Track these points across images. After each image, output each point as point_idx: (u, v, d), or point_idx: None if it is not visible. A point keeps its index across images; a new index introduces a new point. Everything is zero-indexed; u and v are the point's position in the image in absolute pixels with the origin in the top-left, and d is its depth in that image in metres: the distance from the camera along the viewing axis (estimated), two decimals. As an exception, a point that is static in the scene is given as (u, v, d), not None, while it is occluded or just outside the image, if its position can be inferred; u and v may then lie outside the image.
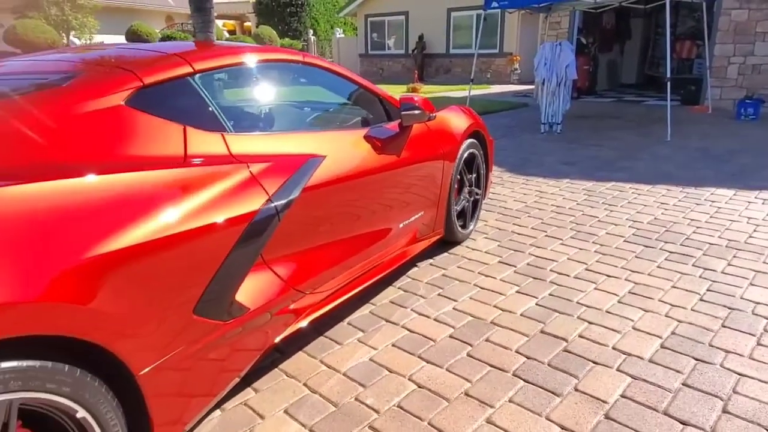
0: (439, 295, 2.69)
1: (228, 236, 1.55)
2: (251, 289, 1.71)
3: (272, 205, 1.70)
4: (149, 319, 1.32)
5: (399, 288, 2.78)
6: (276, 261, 1.82)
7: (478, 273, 2.94)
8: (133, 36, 14.33)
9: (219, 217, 1.52)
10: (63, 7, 14.22)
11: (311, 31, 21.81)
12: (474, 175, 3.39)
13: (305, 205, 1.88)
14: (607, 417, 1.78)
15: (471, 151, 3.26)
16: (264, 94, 2.30)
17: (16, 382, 1.04)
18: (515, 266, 3.02)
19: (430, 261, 3.11)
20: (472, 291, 2.72)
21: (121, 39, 15.47)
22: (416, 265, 3.04)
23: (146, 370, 1.31)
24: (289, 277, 1.88)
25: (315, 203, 1.95)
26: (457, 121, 3.13)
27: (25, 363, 1.06)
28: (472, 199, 3.42)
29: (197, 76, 1.80)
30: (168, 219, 1.38)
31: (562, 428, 1.73)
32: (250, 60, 2.04)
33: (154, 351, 1.34)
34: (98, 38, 14.71)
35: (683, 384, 1.94)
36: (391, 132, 2.51)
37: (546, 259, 3.11)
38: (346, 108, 2.61)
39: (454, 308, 2.55)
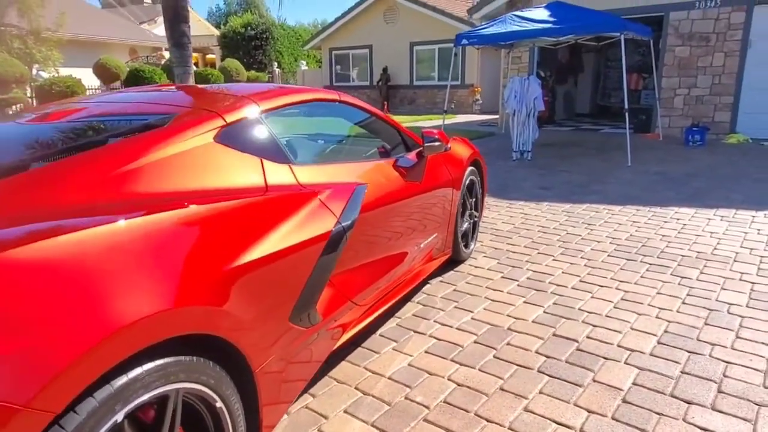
0: (455, 307, 2.97)
1: (313, 253, 1.79)
2: (322, 301, 1.94)
3: (341, 225, 1.95)
4: (263, 325, 1.54)
5: (418, 303, 3.04)
6: (337, 276, 2.06)
7: (486, 287, 3.24)
8: (102, 69, 14.29)
9: (305, 236, 1.76)
10: (26, 40, 14.07)
11: (276, 64, 22.18)
12: (473, 200, 3.73)
13: (359, 227, 2.14)
14: (624, 401, 2.08)
15: (471, 177, 3.60)
16: (311, 128, 2.57)
17: (183, 374, 1.25)
18: (517, 280, 3.34)
19: (440, 278, 3.39)
20: (485, 303, 3.01)
21: (87, 72, 15.36)
22: (429, 283, 3.32)
23: (261, 366, 1.52)
24: (346, 291, 2.12)
25: (364, 225, 2.21)
26: (461, 150, 3.47)
27: (187, 358, 1.27)
28: (472, 221, 3.75)
29: (264, 114, 2.05)
30: (270, 239, 1.62)
31: (590, 412, 2.02)
32: (301, 99, 2.31)
33: (265, 351, 1.55)
34: (64, 71, 14.57)
35: (681, 372, 2.27)
36: (412, 162, 2.81)
37: (543, 273, 3.44)
38: (374, 140, 2.90)
39: (472, 318, 2.83)
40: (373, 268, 2.41)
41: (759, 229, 4.25)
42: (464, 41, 8.33)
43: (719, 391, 2.12)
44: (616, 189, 5.84)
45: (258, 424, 1.56)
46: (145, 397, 1.16)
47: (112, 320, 1.07)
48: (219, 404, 1.38)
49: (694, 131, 8.80)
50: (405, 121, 13.87)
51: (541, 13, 8.03)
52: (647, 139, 9.67)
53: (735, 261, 3.58)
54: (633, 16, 9.50)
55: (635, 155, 7.56)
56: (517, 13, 8.27)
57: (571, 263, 3.61)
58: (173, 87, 2.49)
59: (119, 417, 1.10)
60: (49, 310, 1.01)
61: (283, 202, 1.79)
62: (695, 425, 1.92)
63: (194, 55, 25.12)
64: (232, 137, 1.85)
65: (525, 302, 3.01)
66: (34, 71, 14.03)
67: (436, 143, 2.80)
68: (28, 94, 13.84)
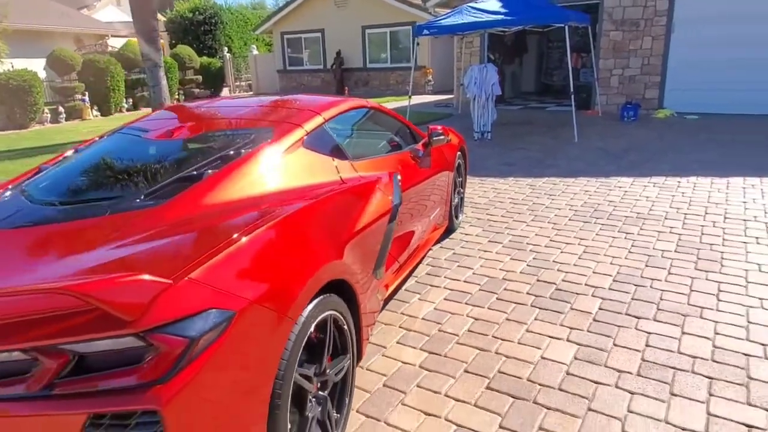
0: (458, 266, 3.74)
1: (383, 224, 2.48)
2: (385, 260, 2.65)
3: (395, 204, 2.65)
4: (362, 275, 2.24)
5: (428, 265, 3.79)
6: (392, 242, 2.77)
7: (478, 249, 4.03)
8: (56, 61, 13.97)
9: (379, 212, 2.45)
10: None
11: (226, 49, 22.04)
12: (461, 179, 4.49)
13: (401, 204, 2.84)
14: (594, 320, 2.92)
15: (459, 161, 4.36)
16: (353, 130, 3.21)
17: (331, 305, 1.93)
18: (502, 243, 4.14)
19: (440, 246, 4.15)
20: (480, 261, 3.80)
21: (32, 63, 14.93)
22: (432, 249, 4.07)
23: (362, 301, 2.21)
24: (394, 253, 2.84)
25: (403, 203, 2.92)
26: (452, 139, 4.21)
27: (331, 295, 1.95)
28: (459, 196, 4.52)
29: (326, 122, 2.70)
30: (362, 216, 2.30)
31: (571, 329, 2.84)
32: (346, 108, 2.96)
33: (364, 292, 2.25)
34: (13, 63, 14.15)
35: (632, 299, 3.14)
36: (421, 152, 3.52)
37: (520, 236, 4.27)
38: (394, 136, 3.57)
39: (473, 273, 3.61)
40: (406, 235, 3.13)
41: (683, 192, 5.25)
42: (425, 32, 9.01)
43: (658, 309, 3.00)
44: (567, 164, 6.77)
45: (360, 338, 2.25)
46: (320, 317, 1.84)
47: (312, 267, 1.75)
48: (345, 326, 2.07)
49: (628, 108, 9.92)
50: (365, 104, 14.44)
51: (494, 5, 8.80)
52: (588, 116, 10.74)
53: (666, 218, 4.53)
54: (572, 4, 10.46)
55: (579, 131, 8.55)
56: (472, 4, 9.01)
57: (541, 227, 4.46)
58: (245, 101, 3.07)
59: (312, 327, 1.77)
60: (289, 262, 1.67)
61: (359, 190, 2.47)
62: (642, 330, 2.78)
63: (133, 40, 24.47)
64: (312, 143, 2.50)
65: (511, 259, 3.82)
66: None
67: (441, 137, 3.52)
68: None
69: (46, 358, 1.24)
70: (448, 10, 13.70)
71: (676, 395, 2.28)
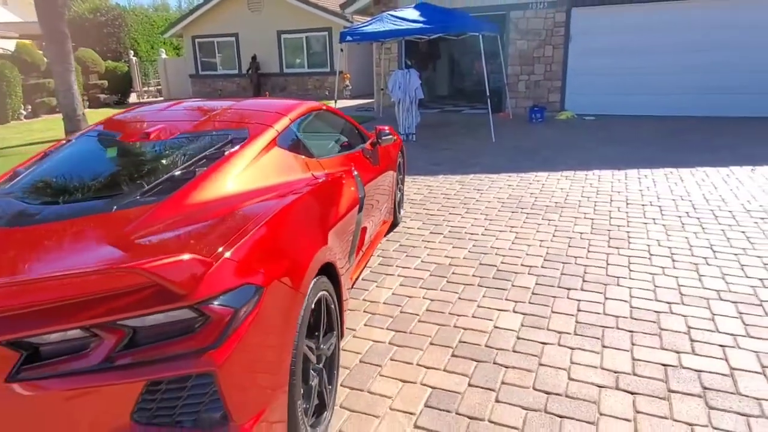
0: (407, 256, 4.05)
1: (354, 215, 2.72)
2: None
3: (361, 196, 2.89)
4: (342, 258, 2.46)
5: (379, 256, 4.06)
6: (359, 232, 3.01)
7: (422, 240, 4.37)
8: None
9: (350, 204, 2.68)
10: None
11: (132, 52, 21.00)
12: (401, 176, 4.82)
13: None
14: (533, 293, 3.34)
15: (399, 159, 4.68)
16: (313, 131, 3.40)
17: (323, 285, 2.14)
18: (442, 233, 4.51)
19: (386, 239, 4.44)
20: (426, 251, 4.14)
21: None
22: (380, 242, 4.35)
23: (342, 282, 2.43)
24: (359, 243, 3.08)
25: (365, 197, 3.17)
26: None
27: (323, 276, 2.16)
28: (401, 193, 4.84)
29: (291, 123, 2.89)
30: (338, 207, 2.53)
31: (515, 302, 3.24)
32: (306, 110, 3.16)
33: (344, 274, 2.47)
34: None
35: (561, 274, 3.61)
36: (370, 151, 3.79)
37: (458, 227, 4.67)
38: (346, 136, 3.80)
39: (422, 261, 3.94)
40: (366, 227, 3.38)
41: (591, 183, 5.95)
42: (348, 38, 9.30)
43: (583, 281, 3.49)
44: (489, 161, 7.34)
45: (342, 318, 2.47)
46: (317, 296, 2.05)
47: (312, 251, 1.96)
48: (333, 305, 2.29)
49: (535, 110, 10.83)
50: (286, 109, 14.47)
51: (413, 13, 9.27)
52: (500, 118, 11.56)
53: (579, 206, 5.14)
54: (482, 14, 11.23)
55: (495, 132, 9.24)
56: (392, 12, 9.43)
57: (475, 218, 4.89)
58: (202, 104, 3.17)
59: (312, 305, 1.98)
60: (297, 245, 1.87)
61: (332, 184, 2.70)
62: (574, 299, 3.24)
63: (26, 42, 22.76)
64: (283, 142, 2.69)
65: (453, 247, 4.20)
66: None
67: (390, 136, 3.82)
68: None
69: (105, 333, 1.37)
70: (367, 18, 14.09)
71: (606, 347, 2.72)
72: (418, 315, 3.14)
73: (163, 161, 2.35)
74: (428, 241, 4.35)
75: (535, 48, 11.60)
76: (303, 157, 2.76)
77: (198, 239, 1.70)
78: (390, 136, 3.83)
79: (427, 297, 3.36)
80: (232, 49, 19.43)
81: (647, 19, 10.59)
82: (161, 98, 20.87)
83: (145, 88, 21.52)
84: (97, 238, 1.74)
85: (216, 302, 1.44)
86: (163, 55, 21.09)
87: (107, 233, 1.75)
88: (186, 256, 1.41)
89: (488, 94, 9.08)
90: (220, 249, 1.57)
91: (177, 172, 2.18)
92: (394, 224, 4.66)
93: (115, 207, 1.94)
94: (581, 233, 4.39)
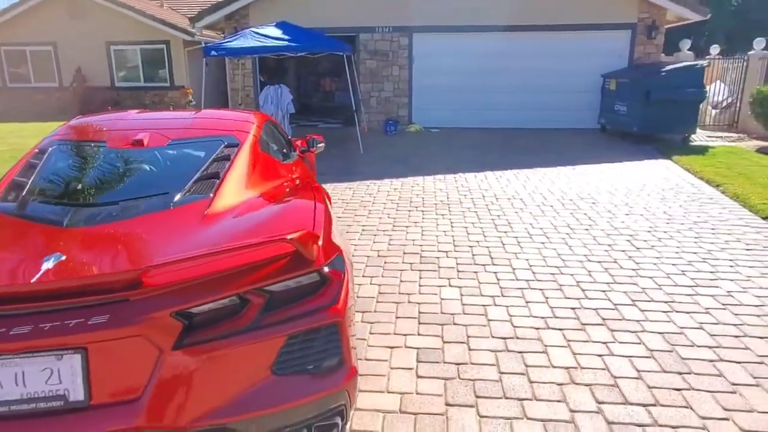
0: (338, 253, 4.46)
1: (329, 208, 3.08)
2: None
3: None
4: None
5: (312, 255, 4.40)
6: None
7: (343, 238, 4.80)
8: None
9: (327, 198, 3.04)
10: None
11: None
12: (314, 183, 5.19)
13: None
14: (459, 271, 4.02)
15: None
16: (268, 138, 3.62)
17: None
18: (358, 231, 5.01)
19: (310, 240, 4.78)
20: (352, 247, 4.59)
21: None
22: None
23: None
24: None
25: None
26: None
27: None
28: (313, 199, 5.21)
29: (260, 131, 3.15)
30: (324, 200, 2.88)
31: (448, 278, 3.88)
32: (261, 120, 3.41)
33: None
34: None
35: (473, 254, 4.36)
36: (303, 157, 4.13)
37: (370, 226, 5.20)
38: (285, 143, 4.05)
39: (353, 255, 4.38)
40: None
41: (462, 184, 6.95)
42: (213, 53, 9.24)
43: (491, 258, 4.28)
44: (368, 169, 8.01)
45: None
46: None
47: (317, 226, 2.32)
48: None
49: (390, 123, 11.87)
50: (130, 125, 13.53)
51: (275, 31, 9.58)
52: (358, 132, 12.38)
53: (461, 203, 6.04)
54: (335, 35, 11.95)
55: (359, 144, 9.98)
56: (255, 30, 9.61)
57: (380, 218, 5.47)
58: (189, 112, 3.25)
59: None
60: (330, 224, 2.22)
61: (300, 178, 3.03)
62: (489, 272, 4.00)
63: None
64: (259, 144, 2.96)
65: (374, 242, 4.72)
66: None
67: (322, 144, 4.20)
68: None
69: (254, 298, 1.61)
70: (218, 33, 13.87)
71: (529, 302, 3.50)
72: (374, 297, 3.59)
73: (179, 163, 2.48)
74: (348, 238, 4.80)
75: (384, 67, 12.69)
76: (272, 156, 3.05)
77: (281, 221, 1.98)
78: (321, 144, 4.22)
79: (375, 283, 3.83)
80: (50, 59, 17.35)
81: (475, 45, 12.35)
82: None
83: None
84: (185, 228, 1.90)
85: (333, 266, 1.78)
86: (-46, 64, 17.89)
87: (189, 224, 1.93)
88: (306, 231, 1.72)
89: (354, 108, 9.77)
90: (314, 227, 1.90)
91: (203, 172, 2.35)
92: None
93: (171, 204, 2.08)
94: (473, 223, 5.25)
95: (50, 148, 2.52)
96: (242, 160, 2.55)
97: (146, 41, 16.99)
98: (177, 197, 2.14)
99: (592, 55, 12.13)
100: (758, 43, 11.97)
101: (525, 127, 12.36)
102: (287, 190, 2.67)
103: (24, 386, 1.46)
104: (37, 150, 2.53)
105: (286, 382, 1.66)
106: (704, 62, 10.96)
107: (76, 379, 1.47)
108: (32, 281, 1.51)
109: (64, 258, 1.62)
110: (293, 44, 9.30)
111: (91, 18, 16.94)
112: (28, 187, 2.21)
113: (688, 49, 13.34)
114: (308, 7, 12.09)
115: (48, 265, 1.57)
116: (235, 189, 2.29)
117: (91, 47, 17.10)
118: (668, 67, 10.40)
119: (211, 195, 2.17)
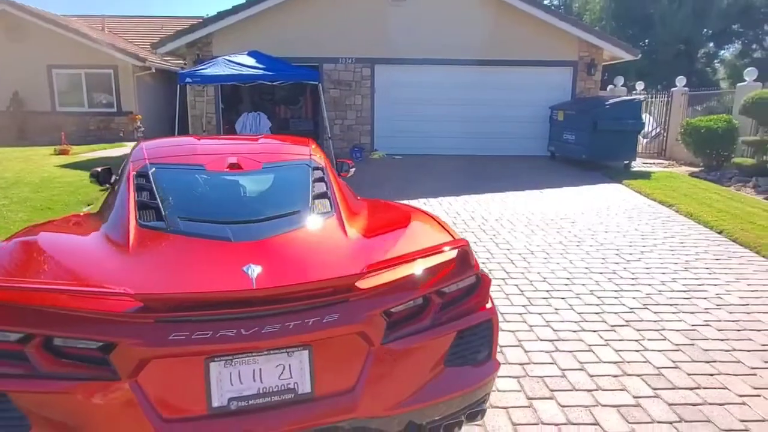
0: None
1: None
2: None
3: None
4: None
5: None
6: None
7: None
8: None
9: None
10: None
11: None
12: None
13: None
14: (482, 285, 4.37)
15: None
16: None
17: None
18: (373, 253, 5.24)
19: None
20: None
21: None
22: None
23: None
24: None
25: None
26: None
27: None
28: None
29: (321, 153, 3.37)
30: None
31: (476, 292, 4.21)
32: (314, 144, 3.62)
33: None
34: None
35: (480, 262, 4.73)
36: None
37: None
38: None
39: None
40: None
41: (447, 208, 7.37)
42: (188, 80, 9.24)
43: (489, 264, 4.67)
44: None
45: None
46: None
47: None
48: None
49: (356, 150, 12.22)
50: (83, 150, 13.01)
51: (249, 60, 9.75)
52: (322, 158, 12.61)
53: (454, 223, 6.43)
54: (300, 64, 12.24)
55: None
56: (228, 57, 9.74)
57: (386, 239, 5.74)
58: (259, 139, 3.43)
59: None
60: None
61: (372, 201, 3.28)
62: (512, 285, 4.38)
63: None
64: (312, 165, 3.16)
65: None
66: None
67: (353, 168, 4.45)
68: None
69: (436, 298, 1.85)
70: (178, 60, 13.74)
71: (557, 309, 3.89)
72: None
73: (286, 185, 2.67)
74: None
75: (347, 97, 13.08)
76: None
77: (422, 233, 2.24)
78: (353, 168, 4.47)
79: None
80: (-18, 82, 16.34)
81: (433, 76, 13.03)
82: None
83: None
84: (338, 241, 2.12)
85: (482, 270, 2.06)
86: None
87: (337, 237, 2.15)
88: (465, 240, 1.99)
89: (329, 135, 10.02)
90: (450, 237, 2.17)
91: (311, 192, 2.54)
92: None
93: (308, 220, 2.28)
94: (475, 242, 5.63)
95: (150, 171, 2.59)
96: (334, 181, 2.78)
97: (92, 65, 16.48)
98: (310, 214, 2.34)
99: (539, 89, 13.16)
100: (680, 80, 13.49)
101: (480, 154, 13.10)
102: (368, 206, 2.89)
103: (261, 381, 1.61)
104: (135, 173, 2.59)
105: (454, 372, 1.90)
106: (641, 96, 12.24)
107: (304, 374, 1.64)
108: (254, 288, 1.66)
109: (260, 268, 1.77)
110: (269, 73, 9.51)
111: (32, 41, 16.25)
112: (162, 207, 2.27)
113: (622, 85, 14.79)
114: (272, 36, 12.31)
115: (253, 273, 1.73)
116: (345, 206, 2.52)
117: (30, 70, 16.35)
118: (612, 101, 11.52)
119: (333, 212, 2.38)
